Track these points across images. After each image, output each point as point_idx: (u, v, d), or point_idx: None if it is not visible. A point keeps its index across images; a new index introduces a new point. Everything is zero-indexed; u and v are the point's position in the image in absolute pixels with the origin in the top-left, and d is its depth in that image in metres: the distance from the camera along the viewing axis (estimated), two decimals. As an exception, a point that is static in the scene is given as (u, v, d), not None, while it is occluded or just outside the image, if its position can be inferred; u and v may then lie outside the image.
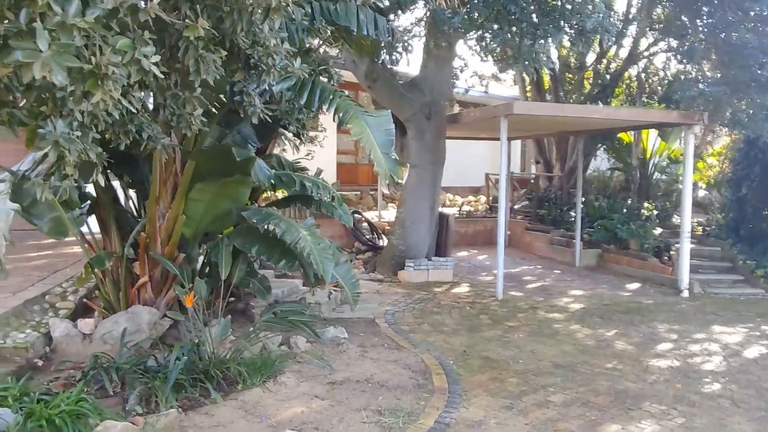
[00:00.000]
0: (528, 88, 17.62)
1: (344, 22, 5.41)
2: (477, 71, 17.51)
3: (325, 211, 6.20)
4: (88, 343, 5.46)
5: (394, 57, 10.73)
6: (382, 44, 6.26)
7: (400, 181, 4.63)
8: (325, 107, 4.72)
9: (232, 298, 6.92)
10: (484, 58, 11.34)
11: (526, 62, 7.71)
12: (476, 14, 7.47)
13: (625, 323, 8.15)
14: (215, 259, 5.62)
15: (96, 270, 5.68)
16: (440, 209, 11.74)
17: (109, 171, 6.18)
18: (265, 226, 5.30)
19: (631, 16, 15.37)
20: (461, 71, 14.28)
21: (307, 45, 5.50)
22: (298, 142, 7.09)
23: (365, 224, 13.11)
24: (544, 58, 7.81)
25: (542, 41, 7.21)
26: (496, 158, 17.64)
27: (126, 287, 5.81)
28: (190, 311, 5.33)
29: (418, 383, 5.64)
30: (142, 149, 4.05)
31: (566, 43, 17.95)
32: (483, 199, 19.07)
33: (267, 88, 4.35)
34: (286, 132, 6.34)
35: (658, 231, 13.16)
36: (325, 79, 5.86)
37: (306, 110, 5.70)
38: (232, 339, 6.02)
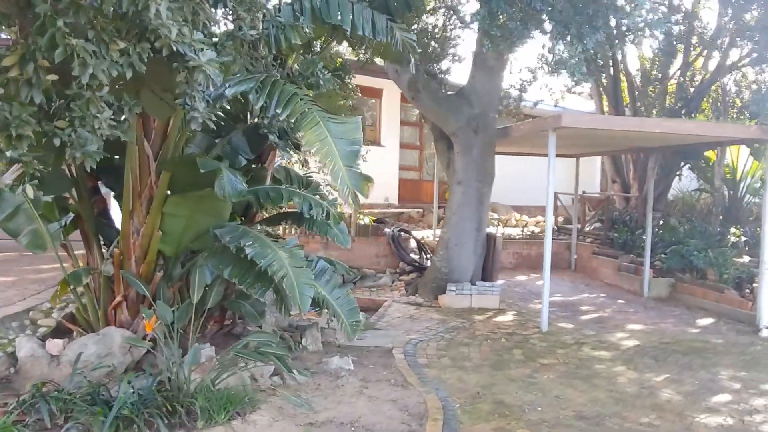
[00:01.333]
0: (605, 101, 16.48)
1: (333, 20, 4.84)
2: (547, 83, 16.66)
3: (318, 230, 5.62)
4: (56, 365, 5.10)
5: (438, 67, 10.11)
6: (414, 50, 5.66)
7: (364, 198, 3.95)
8: (278, 111, 4.14)
9: (228, 322, 6.44)
10: (544, 68, 10.54)
11: (564, 70, 6.87)
12: (497, 11, 6.70)
13: (681, 367, 7.07)
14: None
15: (73, 287, 5.33)
16: (489, 229, 10.88)
17: (100, 182, 5.90)
18: (239, 247, 4.78)
19: (723, 23, 14.02)
20: (529, 84, 13.51)
21: (298, 43, 4.95)
22: (299, 154, 6.56)
23: (414, 243, 12.43)
24: (581, 66, 6.88)
25: (576, 44, 6.35)
26: (569, 176, 16.64)
27: (105, 307, 5.44)
28: (158, 337, 4.88)
29: (409, 429, 4.93)
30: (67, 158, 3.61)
31: (644, 50, 16.81)
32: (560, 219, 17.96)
33: (219, 91, 3.83)
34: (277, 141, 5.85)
35: (744, 260, 11.77)
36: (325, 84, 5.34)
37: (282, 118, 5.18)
38: (218, 367, 5.54)
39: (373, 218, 13.78)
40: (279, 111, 4.07)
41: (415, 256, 12.13)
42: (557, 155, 14.46)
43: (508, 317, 9.43)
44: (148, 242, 5.16)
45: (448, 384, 6.12)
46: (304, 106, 4.08)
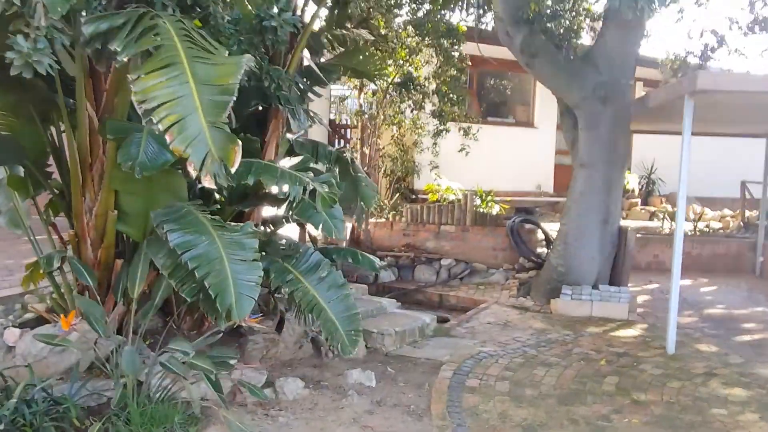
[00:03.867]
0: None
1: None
2: (738, 49, 13.76)
3: (298, 215, 4.51)
4: (12, 357, 4.61)
5: (557, 25, 8.45)
6: None
7: (231, 168, 2.80)
8: (118, 48, 3.05)
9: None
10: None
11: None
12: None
13: None
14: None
15: (45, 271, 4.81)
16: (619, 223, 8.95)
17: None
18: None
19: None
20: (712, 50, 11.18)
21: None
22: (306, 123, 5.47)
23: (542, 236, 10.74)
24: None
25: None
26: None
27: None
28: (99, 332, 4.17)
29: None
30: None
31: None
32: (746, 213, 14.91)
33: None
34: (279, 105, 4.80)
35: None
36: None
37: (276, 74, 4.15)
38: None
39: (506, 206, 12.25)
40: (119, 49, 3.05)
41: (544, 251, 10.45)
42: (734, 135, 11.85)
43: (631, 332, 7.57)
44: (103, 223, 4.46)
45: (482, 419, 4.73)
46: (159, 40, 3.02)
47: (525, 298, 8.89)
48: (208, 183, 2.80)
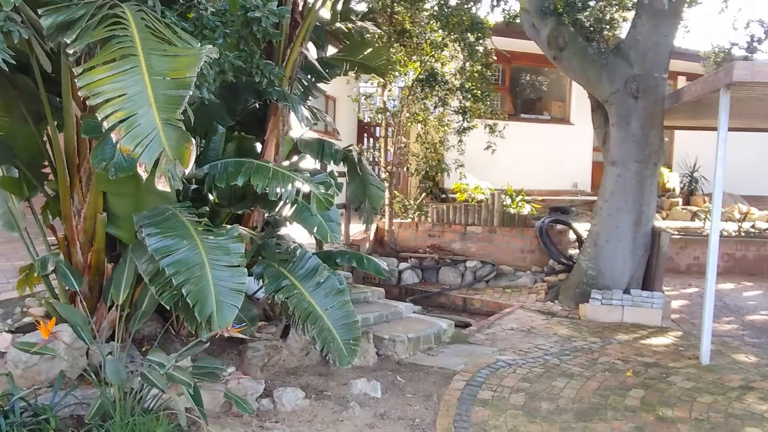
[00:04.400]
0: None
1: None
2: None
3: (292, 217, 4.26)
4: (3, 363, 4.49)
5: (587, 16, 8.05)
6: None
7: (186, 168, 2.56)
8: (67, 40, 2.82)
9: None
10: None
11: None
12: None
13: None
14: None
15: (41, 275, 4.69)
16: (653, 224, 8.48)
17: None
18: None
19: None
20: (759, 42, 10.62)
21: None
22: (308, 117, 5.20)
23: (573, 237, 10.31)
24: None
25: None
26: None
27: (67, 300, 4.72)
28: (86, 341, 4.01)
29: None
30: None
31: None
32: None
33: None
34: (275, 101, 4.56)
35: None
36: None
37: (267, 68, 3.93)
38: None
39: (538, 205, 11.84)
40: (68, 40, 2.83)
41: (576, 253, 10.03)
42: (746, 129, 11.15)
43: (664, 340, 7.13)
44: (92, 226, 4.30)
45: (490, 436, 4.43)
46: (114, 31, 2.79)
47: (553, 303, 8.50)
48: (162, 185, 2.59)
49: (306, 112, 5.38)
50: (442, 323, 6.69)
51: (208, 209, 4.06)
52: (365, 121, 12.37)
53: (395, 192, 11.11)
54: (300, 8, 4.99)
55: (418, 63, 9.69)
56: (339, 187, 4.74)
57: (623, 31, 8.52)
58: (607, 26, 8.60)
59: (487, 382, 5.48)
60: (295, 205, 4.12)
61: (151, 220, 3.74)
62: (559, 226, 10.07)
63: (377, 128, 14.26)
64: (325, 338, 4.21)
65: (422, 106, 10.05)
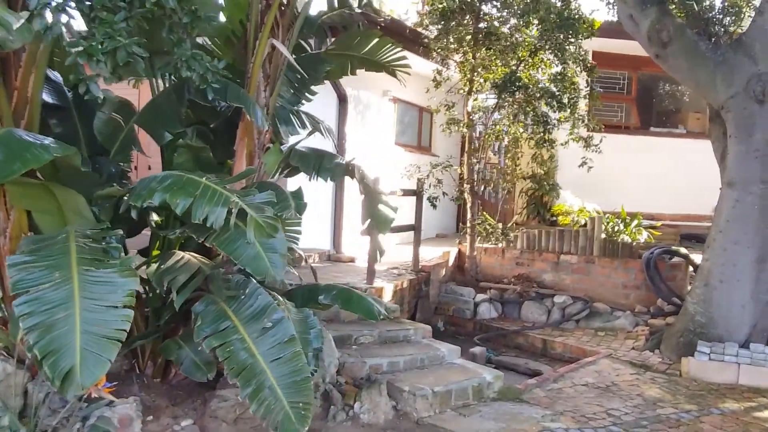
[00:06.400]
0: None
1: None
2: None
3: (218, 246, 3.40)
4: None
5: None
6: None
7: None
8: None
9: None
10: None
11: None
12: None
13: None
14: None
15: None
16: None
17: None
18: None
19: None
20: None
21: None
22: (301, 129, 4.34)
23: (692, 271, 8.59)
24: None
25: None
26: None
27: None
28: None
29: None
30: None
31: None
32: None
33: None
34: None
35: None
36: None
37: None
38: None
39: (657, 232, 10.16)
40: None
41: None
42: None
43: (787, 414, 5.49)
44: (20, 247, 3.76)
45: None
46: None
47: (652, 353, 7.00)
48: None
49: (308, 119, 4.58)
50: (487, 374, 5.56)
51: (122, 234, 3.36)
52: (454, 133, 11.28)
53: (485, 215, 9.97)
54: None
55: (500, 68, 8.55)
56: (301, 208, 3.89)
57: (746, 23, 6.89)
58: (734, 17, 7.02)
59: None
60: (226, 231, 3.31)
61: (37, 245, 3.11)
62: (673, 259, 8.43)
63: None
64: (265, 399, 3.34)
65: (510, 119, 8.86)
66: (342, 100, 8.94)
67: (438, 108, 9.30)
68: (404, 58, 4.93)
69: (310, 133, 4.80)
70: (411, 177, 9.10)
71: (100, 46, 2.91)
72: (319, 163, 4.52)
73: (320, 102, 9.17)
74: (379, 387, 4.92)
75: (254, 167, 4.20)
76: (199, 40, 4.77)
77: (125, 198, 3.48)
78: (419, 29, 9.26)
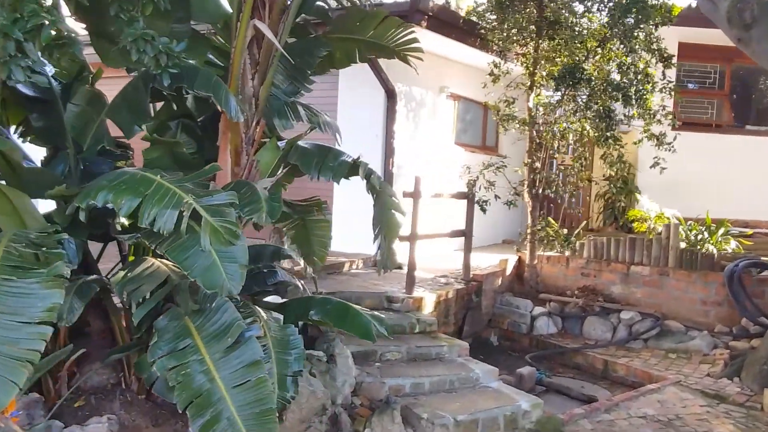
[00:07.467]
0: None
1: None
2: None
3: (167, 254, 2.95)
4: None
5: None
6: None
7: None
8: None
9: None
10: None
11: None
12: None
13: None
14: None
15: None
16: None
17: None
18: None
19: None
20: None
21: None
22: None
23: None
24: None
25: None
26: None
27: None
28: None
29: None
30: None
31: None
32: None
33: None
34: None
35: None
36: None
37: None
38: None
39: (749, 242, 9.05)
40: None
41: None
42: None
43: None
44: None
45: None
46: None
47: (730, 381, 6.10)
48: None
49: (305, 112, 4.12)
50: (524, 401, 4.91)
51: (68, 238, 3.01)
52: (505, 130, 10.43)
53: (549, 219, 9.19)
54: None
55: (564, 60, 7.76)
56: (275, 212, 3.42)
57: None
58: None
59: None
60: (177, 237, 2.89)
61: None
62: (763, 273, 7.39)
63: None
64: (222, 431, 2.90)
65: (569, 114, 8.05)
66: (390, 96, 8.43)
67: (497, 104, 8.62)
68: (415, 40, 4.37)
69: (313, 128, 4.35)
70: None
71: (26, 25, 2.55)
72: (322, 161, 4.05)
73: (365, 98, 8.77)
74: (392, 413, 4.39)
75: (243, 165, 3.79)
76: (200, 28, 4.45)
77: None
78: (473, 18, 8.64)
